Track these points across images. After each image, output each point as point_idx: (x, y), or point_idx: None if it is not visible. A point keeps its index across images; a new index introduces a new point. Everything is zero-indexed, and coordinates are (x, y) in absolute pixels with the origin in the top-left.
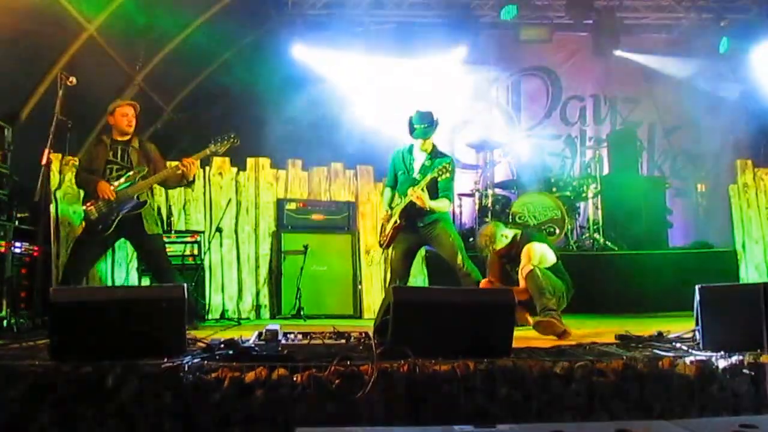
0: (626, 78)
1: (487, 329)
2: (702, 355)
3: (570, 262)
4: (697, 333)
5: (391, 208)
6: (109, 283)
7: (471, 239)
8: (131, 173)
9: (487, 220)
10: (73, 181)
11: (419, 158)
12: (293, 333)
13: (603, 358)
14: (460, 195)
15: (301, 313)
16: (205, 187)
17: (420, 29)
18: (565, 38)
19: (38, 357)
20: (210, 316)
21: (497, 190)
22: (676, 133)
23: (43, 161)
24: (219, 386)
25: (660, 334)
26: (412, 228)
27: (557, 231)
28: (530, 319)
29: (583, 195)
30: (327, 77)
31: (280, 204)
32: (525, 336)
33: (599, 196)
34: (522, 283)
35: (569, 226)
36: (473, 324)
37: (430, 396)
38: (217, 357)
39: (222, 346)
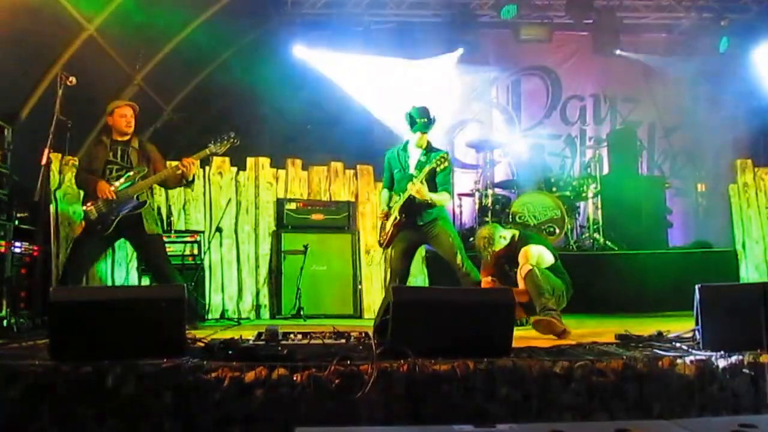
0: (626, 78)
1: (487, 329)
2: (702, 355)
3: (570, 261)
4: (696, 333)
5: (390, 208)
6: (109, 283)
7: (471, 239)
8: (131, 173)
9: (487, 219)
10: (73, 181)
11: (414, 155)
12: (293, 333)
13: (603, 357)
14: (460, 195)
15: (301, 312)
16: (204, 186)
17: (420, 29)
18: (565, 38)
19: (38, 357)
20: (210, 316)
21: (497, 190)
22: (676, 132)
23: (43, 161)
24: (219, 386)
25: (660, 333)
26: (412, 226)
27: (557, 231)
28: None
29: (583, 195)
30: (327, 77)
31: (279, 204)
32: (525, 336)
33: (599, 196)
34: (521, 284)
35: (569, 226)
36: (473, 324)
37: (430, 396)
38: (217, 357)
39: (222, 345)
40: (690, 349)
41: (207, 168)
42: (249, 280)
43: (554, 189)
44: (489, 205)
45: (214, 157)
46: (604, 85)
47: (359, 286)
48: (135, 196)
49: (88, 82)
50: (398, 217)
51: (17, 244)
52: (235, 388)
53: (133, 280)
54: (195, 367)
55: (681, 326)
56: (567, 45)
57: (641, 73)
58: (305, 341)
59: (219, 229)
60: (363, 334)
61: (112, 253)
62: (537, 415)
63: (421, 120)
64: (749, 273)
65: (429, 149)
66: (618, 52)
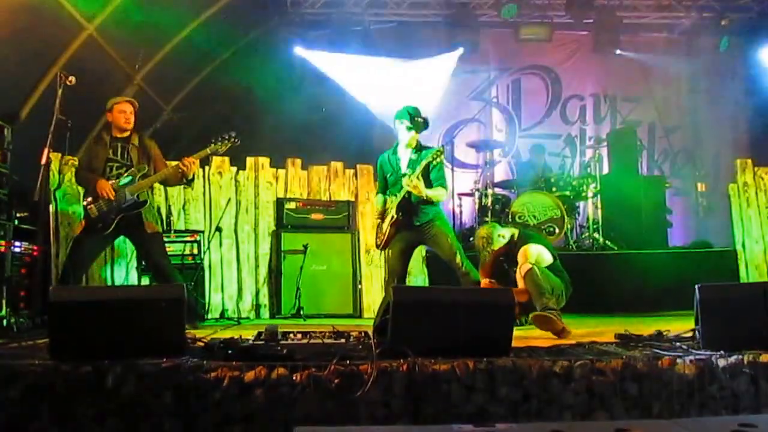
0: (626, 77)
1: (486, 329)
2: (702, 355)
3: (569, 261)
4: (696, 332)
5: (386, 209)
6: (109, 283)
7: (471, 238)
8: (131, 171)
9: (486, 219)
10: (73, 180)
11: (405, 156)
12: (293, 332)
13: (602, 357)
14: (460, 195)
15: (301, 312)
16: (204, 186)
17: (420, 28)
18: (565, 37)
19: (38, 356)
20: (210, 316)
21: (497, 190)
22: (676, 132)
23: (43, 161)
24: (219, 385)
25: (660, 333)
26: (409, 226)
27: (557, 230)
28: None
29: (583, 194)
30: (326, 76)
31: (279, 203)
32: (525, 335)
33: (599, 196)
34: (521, 284)
35: (569, 226)
36: (473, 324)
37: (430, 395)
38: (217, 356)
39: (221, 345)
40: (690, 349)
41: (207, 167)
42: (249, 279)
43: (554, 189)
44: (489, 204)
45: (214, 157)
46: (604, 84)
47: (359, 286)
48: (135, 195)
49: (88, 81)
50: (395, 216)
51: (17, 243)
52: (235, 387)
53: (133, 279)
54: (195, 367)
55: (681, 326)
56: (567, 45)
57: (641, 73)
58: (305, 341)
59: (219, 229)
60: (363, 334)
61: (112, 252)
62: (537, 414)
63: (418, 119)
64: (749, 273)
65: (419, 148)
66: (618, 51)
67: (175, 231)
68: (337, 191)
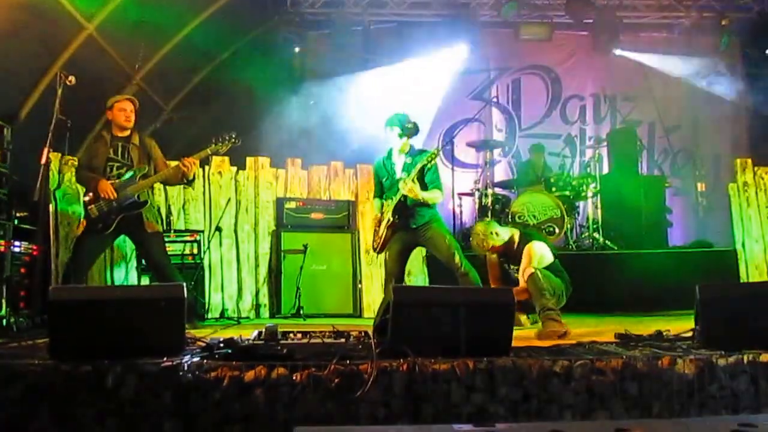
0: (626, 77)
1: (486, 328)
2: (702, 355)
3: (569, 261)
4: (696, 332)
5: (382, 213)
6: (109, 283)
7: (471, 238)
8: (132, 171)
9: (486, 219)
10: (73, 180)
11: (399, 161)
12: (293, 332)
13: (602, 357)
14: (460, 194)
15: (301, 312)
16: (204, 186)
17: (420, 28)
18: (565, 37)
19: (38, 356)
20: (209, 315)
21: (497, 190)
22: (676, 132)
23: (43, 160)
24: (218, 385)
25: (660, 333)
26: (406, 228)
27: (557, 230)
28: (523, 320)
29: (583, 194)
30: (326, 76)
31: (279, 203)
32: (525, 335)
33: (599, 196)
34: (522, 284)
35: (569, 226)
36: (473, 323)
37: (430, 395)
38: (217, 356)
39: (221, 345)
40: (690, 349)
41: (207, 167)
42: (249, 279)
43: (554, 188)
44: (489, 204)
45: (214, 157)
46: (604, 84)
47: (359, 286)
48: (136, 196)
49: (88, 81)
50: (391, 219)
51: (17, 243)
52: (235, 387)
53: (133, 279)
54: (194, 367)
55: (681, 326)
56: (567, 44)
57: (641, 73)
58: (305, 340)
59: (219, 229)
60: (363, 334)
61: (111, 252)
62: (537, 414)
63: (408, 125)
64: (749, 272)
65: (413, 152)
66: (618, 51)
67: (175, 231)
68: (337, 191)
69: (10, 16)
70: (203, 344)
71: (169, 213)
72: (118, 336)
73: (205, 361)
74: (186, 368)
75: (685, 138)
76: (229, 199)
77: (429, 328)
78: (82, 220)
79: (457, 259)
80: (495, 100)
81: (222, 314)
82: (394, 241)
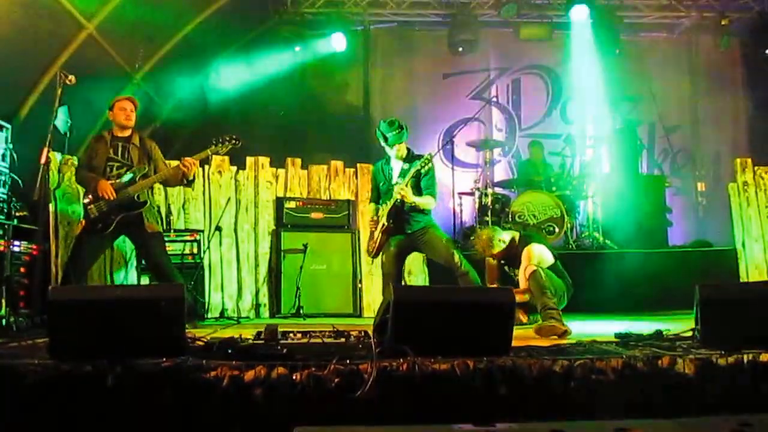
0: (626, 77)
1: (486, 328)
2: (702, 354)
3: (569, 260)
4: (696, 332)
5: (378, 217)
6: (109, 283)
7: (472, 237)
8: (132, 171)
9: (486, 219)
10: (73, 179)
11: (397, 166)
12: (292, 332)
13: (602, 356)
14: (460, 194)
15: (301, 311)
16: (204, 185)
17: (420, 28)
18: (565, 37)
19: (37, 356)
20: (209, 315)
21: (497, 189)
22: (676, 132)
23: (42, 160)
24: (218, 385)
25: (660, 332)
26: (401, 233)
27: (557, 230)
28: (523, 318)
29: (583, 194)
30: (326, 76)
31: (279, 202)
32: (525, 335)
33: (599, 195)
34: (522, 284)
35: (569, 225)
36: (473, 323)
37: (430, 395)
38: (217, 356)
39: (221, 345)
40: (690, 349)
41: (207, 167)
42: (248, 279)
43: (554, 188)
44: (489, 204)
45: (214, 156)
46: (604, 84)
47: (359, 285)
48: (136, 196)
49: (88, 81)
50: (386, 224)
51: (16, 243)
52: (235, 387)
53: (133, 279)
54: (194, 367)
55: (681, 325)
56: (567, 44)
57: (641, 73)
58: (305, 340)
59: (218, 228)
60: (363, 333)
61: (111, 252)
62: (536, 414)
63: (391, 133)
64: (749, 272)
65: (410, 158)
66: (618, 51)
67: (175, 230)
68: (337, 190)
69: (10, 15)
70: (203, 344)
71: (169, 212)
72: (118, 336)
73: (205, 361)
74: (186, 368)
75: (685, 138)
76: (228, 199)
77: (429, 328)
78: (81, 220)
79: (456, 258)
80: (495, 99)
81: (222, 314)
82: (390, 244)
